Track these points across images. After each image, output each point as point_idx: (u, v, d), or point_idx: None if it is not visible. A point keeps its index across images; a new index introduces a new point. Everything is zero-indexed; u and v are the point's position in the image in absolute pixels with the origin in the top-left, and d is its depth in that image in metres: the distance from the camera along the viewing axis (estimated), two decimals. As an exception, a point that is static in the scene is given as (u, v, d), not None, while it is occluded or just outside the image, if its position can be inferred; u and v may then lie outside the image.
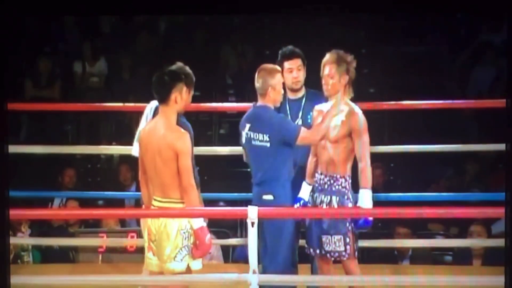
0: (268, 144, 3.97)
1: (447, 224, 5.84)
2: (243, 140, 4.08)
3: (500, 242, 4.06)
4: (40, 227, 5.67)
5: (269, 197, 3.98)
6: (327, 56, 3.95)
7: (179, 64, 3.79)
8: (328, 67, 3.92)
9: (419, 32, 7.29)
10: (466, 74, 7.17)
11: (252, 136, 4.02)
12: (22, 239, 5.23)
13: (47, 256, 5.36)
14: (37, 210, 4.51)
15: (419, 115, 6.22)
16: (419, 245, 5.20)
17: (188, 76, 3.71)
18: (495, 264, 4.34)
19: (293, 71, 4.19)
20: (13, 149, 4.16)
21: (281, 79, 4.04)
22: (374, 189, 3.98)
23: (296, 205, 4.03)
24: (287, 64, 4.19)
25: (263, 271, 3.85)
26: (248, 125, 4.05)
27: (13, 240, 4.86)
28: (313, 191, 4.01)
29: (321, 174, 3.96)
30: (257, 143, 4.00)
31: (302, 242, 4.22)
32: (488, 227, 5.31)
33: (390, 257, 5.33)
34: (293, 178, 4.04)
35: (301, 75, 4.21)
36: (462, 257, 5.37)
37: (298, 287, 4.13)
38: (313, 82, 4.28)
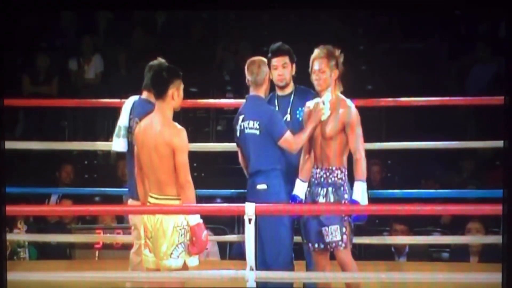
0: (257, 132, 4.02)
1: (444, 221, 5.84)
2: (238, 134, 4.09)
3: (497, 239, 4.06)
4: (37, 224, 5.66)
5: (263, 186, 4.01)
6: (316, 52, 3.97)
7: (161, 59, 3.82)
8: (318, 62, 3.94)
9: (417, 29, 7.29)
10: (464, 71, 7.17)
11: (245, 125, 4.07)
12: (18, 235, 5.22)
13: (44, 253, 5.35)
14: (33, 206, 4.50)
15: (416, 112, 6.22)
16: (416, 242, 5.20)
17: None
18: (492, 261, 4.34)
19: (278, 68, 4.20)
20: (9, 145, 4.15)
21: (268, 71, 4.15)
22: (371, 186, 3.99)
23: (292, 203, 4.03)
24: (272, 60, 4.21)
25: (259, 267, 3.85)
26: (241, 117, 4.10)
27: (9, 237, 4.84)
28: (309, 186, 4.02)
29: (316, 168, 3.97)
30: (248, 130, 4.05)
31: (297, 238, 4.22)
32: (485, 224, 5.32)
33: (387, 254, 5.33)
34: (287, 170, 4.05)
35: (286, 72, 4.21)
36: (459, 254, 5.37)
37: (294, 283, 4.13)
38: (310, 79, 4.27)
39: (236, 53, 7.61)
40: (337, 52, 3.96)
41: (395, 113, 6.23)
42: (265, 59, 4.14)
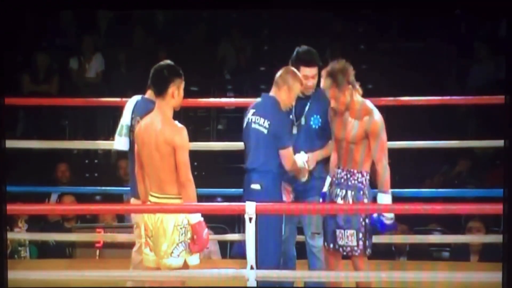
0: (265, 131, 4.00)
1: (444, 220, 5.84)
2: (244, 125, 4.07)
3: (497, 238, 4.06)
4: (38, 223, 5.66)
5: (256, 186, 4.00)
6: (323, 82, 3.89)
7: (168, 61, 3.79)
8: (329, 91, 3.88)
9: (418, 29, 7.29)
10: (464, 70, 7.17)
11: (253, 119, 4.03)
12: (19, 234, 5.22)
13: (44, 251, 5.35)
14: (34, 205, 4.50)
15: (417, 111, 6.22)
16: (417, 241, 5.20)
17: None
18: (492, 260, 4.34)
19: (308, 78, 4.09)
20: (10, 144, 4.16)
21: (298, 90, 4.03)
22: (372, 185, 3.98)
23: (321, 200, 4.02)
24: (304, 70, 4.08)
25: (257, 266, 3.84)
26: (252, 111, 4.08)
27: (10, 235, 4.84)
28: (330, 185, 4.01)
29: (339, 168, 3.96)
30: (256, 126, 4.02)
31: (299, 237, 4.22)
32: (486, 224, 5.32)
33: (387, 253, 5.33)
34: (283, 173, 4.04)
35: (315, 82, 4.12)
36: (459, 253, 5.37)
37: (295, 283, 4.13)
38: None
39: (236, 52, 7.61)
40: (342, 67, 3.85)
41: (396, 112, 6.23)
42: (301, 80, 4.03)
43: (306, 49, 4.15)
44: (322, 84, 3.90)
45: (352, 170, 3.91)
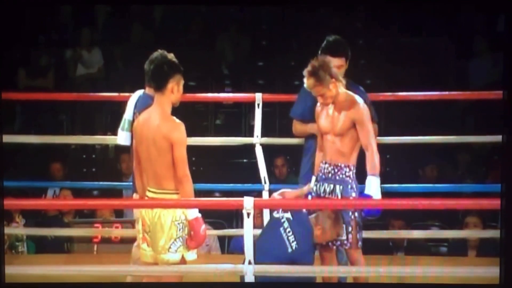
0: (289, 249, 3.93)
1: (441, 215, 5.84)
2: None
3: (495, 233, 4.07)
4: (35, 217, 5.66)
5: None
6: (306, 83, 3.88)
7: (164, 52, 3.76)
8: (314, 90, 3.88)
9: (416, 23, 7.28)
10: (462, 65, 7.17)
11: (286, 227, 3.95)
12: (16, 229, 5.22)
13: (41, 247, 5.35)
14: (31, 200, 4.51)
15: (415, 107, 6.22)
16: (414, 236, 5.21)
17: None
18: (490, 255, 4.35)
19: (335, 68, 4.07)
20: (7, 139, 4.16)
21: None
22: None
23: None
24: (331, 60, 4.02)
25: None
26: (287, 221, 3.96)
27: (7, 230, 4.84)
28: (316, 180, 4.01)
29: (325, 163, 3.96)
30: (285, 236, 3.95)
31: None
32: (483, 219, 5.32)
33: (385, 248, 5.33)
34: None
35: (342, 72, 4.07)
36: (457, 248, 5.38)
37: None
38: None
39: (235, 47, 7.60)
40: (322, 61, 3.86)
41: (394, 107, 6.23)
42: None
43: (334, 38, 4.14)
44: (305, 84, 3.89)
45: (339, 164, 3.92)
